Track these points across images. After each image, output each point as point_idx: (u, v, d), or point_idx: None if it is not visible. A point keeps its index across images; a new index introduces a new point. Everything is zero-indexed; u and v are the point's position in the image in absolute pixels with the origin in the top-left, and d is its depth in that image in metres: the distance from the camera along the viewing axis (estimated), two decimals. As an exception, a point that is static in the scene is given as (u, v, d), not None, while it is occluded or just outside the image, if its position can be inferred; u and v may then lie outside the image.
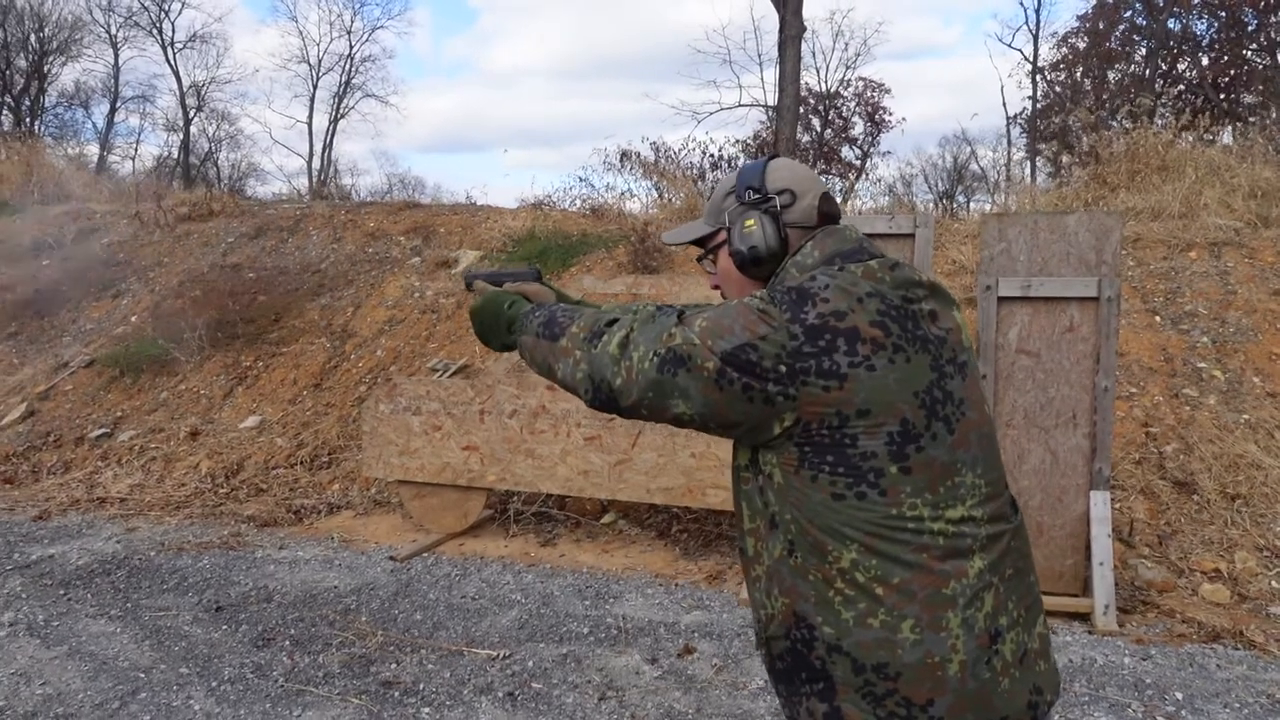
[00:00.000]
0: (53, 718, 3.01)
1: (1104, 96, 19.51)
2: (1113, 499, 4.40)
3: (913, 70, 43.51)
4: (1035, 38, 24.62)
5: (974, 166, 26.42)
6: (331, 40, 39.14)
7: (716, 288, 1.48)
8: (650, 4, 42.52)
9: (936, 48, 44.84)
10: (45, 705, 3.10)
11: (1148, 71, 19.96)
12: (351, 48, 32.39)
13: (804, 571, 1.23)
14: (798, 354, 1.17)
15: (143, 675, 3.33)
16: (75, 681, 3.27)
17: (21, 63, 27.53)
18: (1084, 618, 3.78)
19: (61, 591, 4.15)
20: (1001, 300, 4.07)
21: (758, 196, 1.36)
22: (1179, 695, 3.16)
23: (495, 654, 3.52)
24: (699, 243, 1.48)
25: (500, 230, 8.41)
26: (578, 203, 10.32)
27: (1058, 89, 22.86)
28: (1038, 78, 23.95)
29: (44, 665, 3.40)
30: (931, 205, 20.75)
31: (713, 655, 3.51)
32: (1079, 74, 22.24)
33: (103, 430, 6.59)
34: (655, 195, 10.99)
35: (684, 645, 3.59)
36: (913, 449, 1.18)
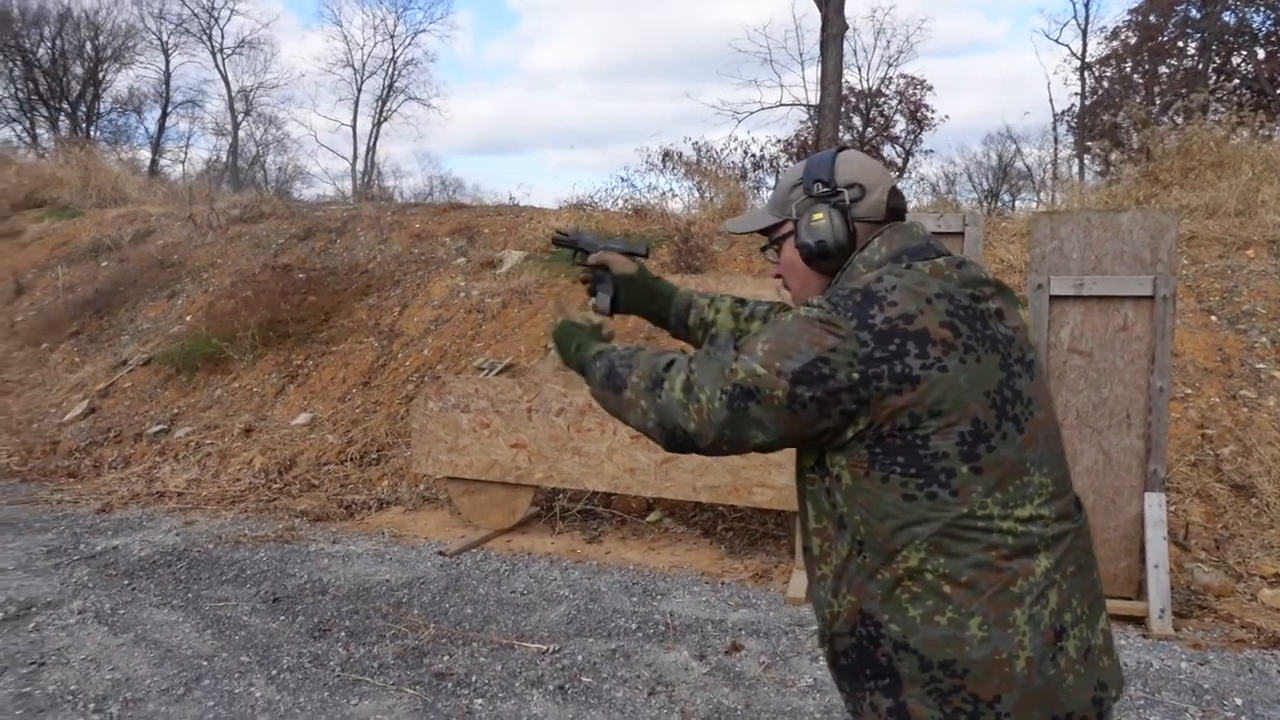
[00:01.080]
0: (122, 702, 3.12)
1: (1156, 91, 19.10)
2: (1168, 501, 4.32)
3: (957, 67, 42.98)
4: (1084, 32, 24.20)
5: (1019, 164, 26.02)
6: (375, 44, 39.68)
7: (779, 277, 1.48)
8: (691, 4, 42.53)
9: (981, 44, 44.25)
10: (115, 690, 3.20)
11: (1201, 66, 19.50)
12: (394, 51, 32.86)
13: (872, 571, 1.24)
14: (869, 360, 1.18)
15: (205, 663, 3.43)
16: (142, 667, 3.38)
17: (78, 70, 28.34)
18: (1139, 621, 3.73)
19: (126, 581, 4.29)
20: (1053, 299, 4.02)
21: (826, 189, 1.36)
22: (1238, 701, 3.10)
23: (545, 648, 3.56)
24: (763, 232, 1.48)
25: (544, 230, 8.47)
26: (620, 203, 10.38)
27: (1106, 84, 22.42)
28: (1086, 73, 23.51)
29: (112, 651, 3.52)
30: (976, 204, 20.48)
31: (760, 653, 3.52)
32: (1129, 69, 21.78)
33: (160, 426, 6.78)
34: (697, 195, 11.01)
35: (731, 642, 3.61)
36: (984, 449, 1.19)
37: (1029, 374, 1.27)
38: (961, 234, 4.26)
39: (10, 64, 26.96)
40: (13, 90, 27.35)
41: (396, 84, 32.78)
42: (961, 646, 1.18)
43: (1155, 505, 3.79)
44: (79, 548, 4.78)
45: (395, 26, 33.97)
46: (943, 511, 1.19)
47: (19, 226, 11.20)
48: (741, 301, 1.75)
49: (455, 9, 63.36)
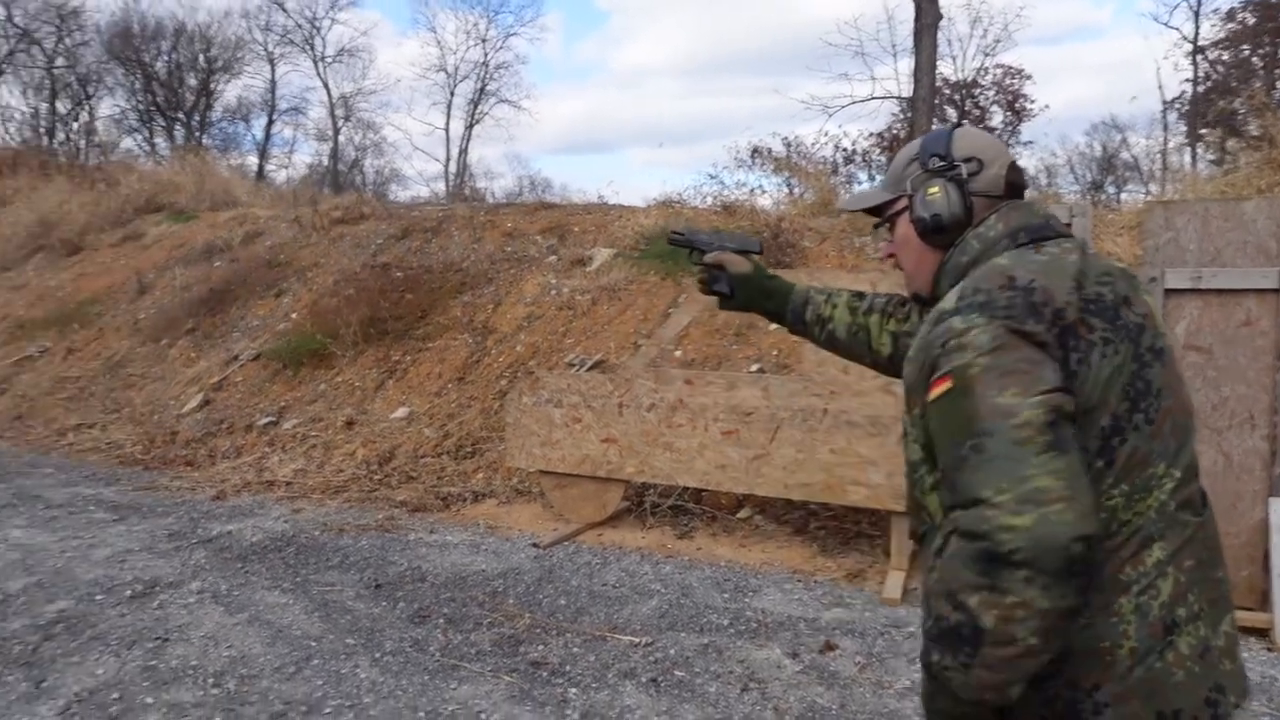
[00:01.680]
0: (239, 678, 3.29)
1: (1277, 75, 17.99)
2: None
3: (1059, 55, 41.33)
4: (1196, 15, 22.93)
5: (1125, 155, 24.87)
6: (467, 49, 40.54)
7: (891, 255, 1.46)
8: (777, -1, 42.08)
9: (1084, 30, 42.47)
10: (231, 666, 3.38)
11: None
12: (486, 55, 33.52)
13: None
14: (1056, 361, 1.13)
15: (314, 644, 3.58)
16: (256, 646, 3.56)
17: (192, 81, 29.88)
18: (1262, 634, 3.53)
19: (239, 564, 4.51)
20: (1169, 293, 3.84)
21: (943, 164, 1.33)
22: (1375, 720, 2.91)
23: (638, 640, 3.60)
24: (876, 210, 1.46)
25: (633, 228, 8.53)
26: (709, 200, 10.36)
27: (1221, 69, 21.22)
28: (1198, 58, 22.30)
29: (229, 630, 3.70)
30: (1078, 196, 19.68)
31: (855, 653, 3.47)
32: (1246, 52, 20.55)
33: (269, 419, 7.10)
34: (787, 191, 10.91)
35: (825, 641, 3.57)
36: (1117, 440, 1.16)
37: (1160, 361, 1.23)
38: (1069, 225, 4.10)
39: (132, 77, 28.62)
40: (134, 102, 29.04)
41: (488, 87, 33.47)
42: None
43: (1281, 511, 3.58)
44: (196, 532, 5.05)
45: (487, 31, 34.68)
46: None
47: (141, 230, 11.88)
48: (859, 295, 1.73)
49: (545, 11, 64.22)
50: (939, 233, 1.33)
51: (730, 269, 1.79)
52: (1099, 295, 1.20)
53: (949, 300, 1.22)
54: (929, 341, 1.19)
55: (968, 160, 1.33)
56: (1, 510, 5.50)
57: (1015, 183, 1.34)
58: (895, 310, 1.67)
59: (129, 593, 4.10)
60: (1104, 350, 1.16)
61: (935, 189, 1.32)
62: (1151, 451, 1.18)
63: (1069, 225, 4.08)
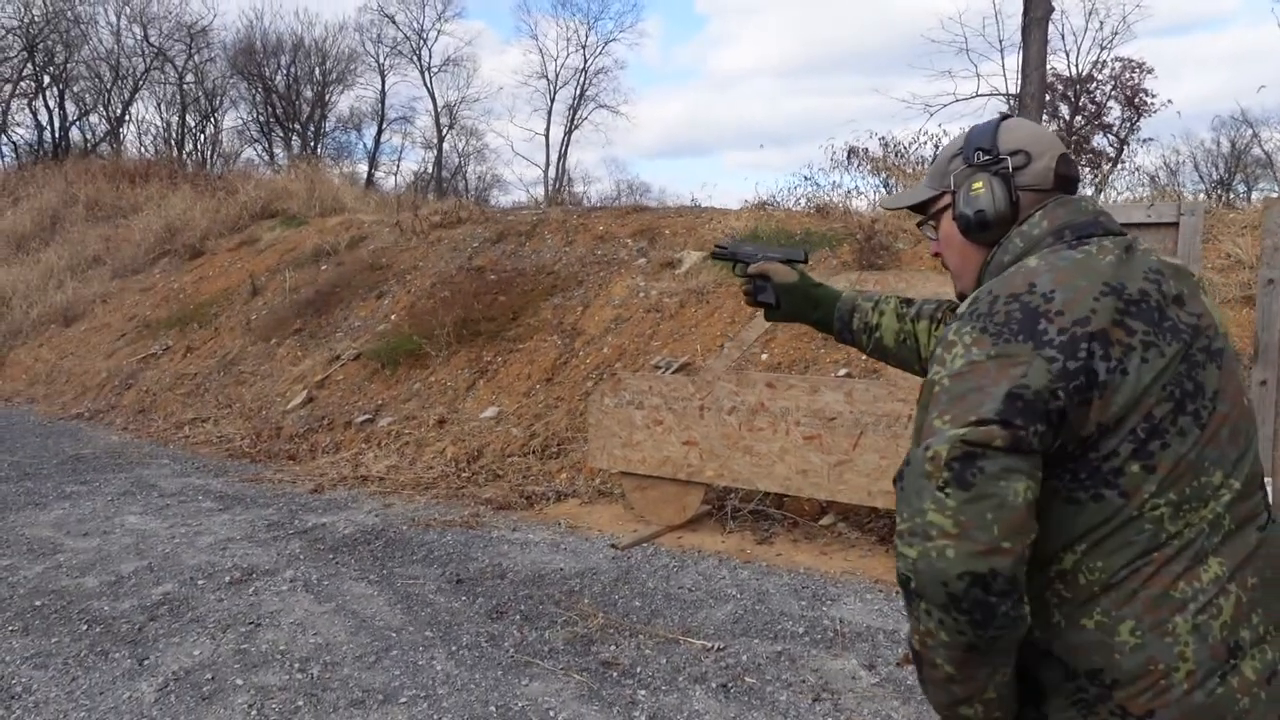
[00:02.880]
0: (322, 664, 3.41)
1: None
2: None
3: (1183, 46, 39.07)
4: (1340, -1, 21.28)
5: (1256, 150, 23.28)
6: (568, 55, 41.25)
7: (937, 254, 1.40)
8: (879, -4, 41.20)
9: (1211, 19, 40.00)
10: (316, 653, 3.51)
11: None
12: (586, 61, 33.98)
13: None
14: (1064, 374, 1.06)
15: (394, 635, 3.69)
16: (340, 635, 3.69)
17: (308, 93, 31.34)
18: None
19: (331, 556, 4.69)
20: (1287, 296, 3.57)
21: (988, 158, 1.27)
22: None
23: (710, 645, 3.56)
24: (920, 208, 1.41)
25: (723, 231, 8.49)
26: (802, 202, 10.22)
27: (1370, 56, 19.62)
28: (1343, 45, 20.69)
29: (316, 618, 3.85)
30: (1203, 195, 18.56)
31: (935, 667, 3.35)
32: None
33: (366, 416, 7.37)
34: (883, 192, 10.65)
35: (904, 654, 3.46)
36: (1157, 445, 1.08)
37: (1215, 363, 1.14)
38: (1176, 224, 3.87)
39: (253, 91, 30.23)
40: (255, 114, 30.67)
41: (587, 93, 33.91)
42: (1111, 654, 1.08)
43: None
44: (294, 523, 5.28)
45: (587, 37, 35.16)
46: (1106, 512, 1.09)
47: (256, 235, 12.52)
48: (908, 302, 1.68)
49: (644, 16, 64.72)
50: (983, 230, 1.27)
51: (775, 279, 1.76)
52: (1143, 295, 1.13)
53: (968, 300, 1.19)
54: (935, 343, 1.20)
55: (1014, 153, 1.26)
56: (121, 498, 5.88)
57: (1066, 175, 1.27)
58: (945, 316, 1.60)
59: (228, 579, 4.31)
60: (1145, 354, 1.09)
61: (980, 184, 1.26)
62: (1204, 459, 1.10)
63: (1178, 222, 3.86)
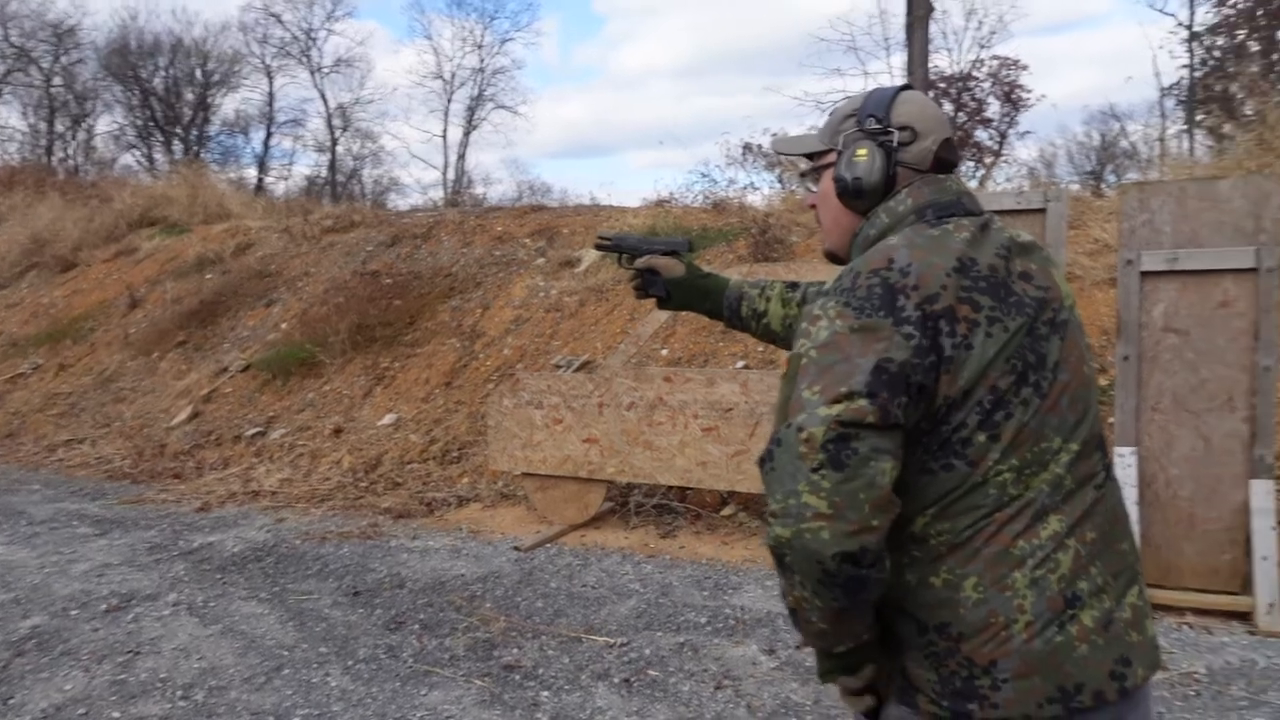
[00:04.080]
0: (208, 689, 3.25)
1: (1274, 57, 17.86)
2: (1277, 489, 4.01)
3: (1057, 45, 41.10)
4: (1190, 0, 22.81)
5: (1123, 143, 24.71)
6: (464, 55, 40.58)
7: (813, 206, 1.42)
8: (772, -3, 42.01)
9: (1082, 19, 42.20)
10: (201, 678, 3.35)
11: (1325, 27, 18.11)
12: (483, 61, 33.54)
13: None
14: (920, 350, 1.10)
15: (286, 653, 3.55)
16: (228, 657, 3.52)
17: (189, 96, 29.98)
18: (1244, 617, 3.47)
19: (218, 576, 4.48)
20: (1145, 275, 3.79)
21: (878, 127, 1.29)
22: (1358, 704, 2.85)
23: (613, 641, 3.55)
24: (807, 157, 1.42)
25: (622, 228, 8.49)
26: (700, 198, 10.33)
27: (1217, 54, 21.09)
28: (1194, 44, 22.18)
29: (201, 642, 3.67)
30: (1076, 186, 19.57)
31: (832, 648, 3.42)
32: (1242, 37, 20.44)
33: (257, 429, 7.08)
34: (778, 187, 10.86)
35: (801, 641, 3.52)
36: (1001, 415, 1.13)
37: (1059, 335, 1.20)
38: (1043, 210, 4.05)
39: (129, 93, 28.74)
40: (132, 118, 29.16)
41: (485, 93, 33.49)
42: (956, 609, 1.13)
43: (1262, 493, 3.52)
44: (178, 544, 5.03)
45: (483, 37, 34.68)
46: (954, 479, 1.14)
47: (134, 244, 11.89)
48: (792, 285, 1.71)
49: (541, 15, 64.28)
50: (857, 197, 1.29)
51: (664, 274, 1.77)
52: (992, 270, 1.17)
53: (834, 277, 1.20)
54: (801, 318, 1.21)
55: (903, 129, 1.28)
56: (-14, 527, 5.49)
57: (945, 159, 1.30)
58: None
59: (104, 607, 4.07)
60: (989, 329, 1.13)
61: (863, 151, 1.28)
62: (1044, 425, 1.15)
63: (1045, 208, 4.04)
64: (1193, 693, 2.96)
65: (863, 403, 1.07)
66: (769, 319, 1.70)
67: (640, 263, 1.80)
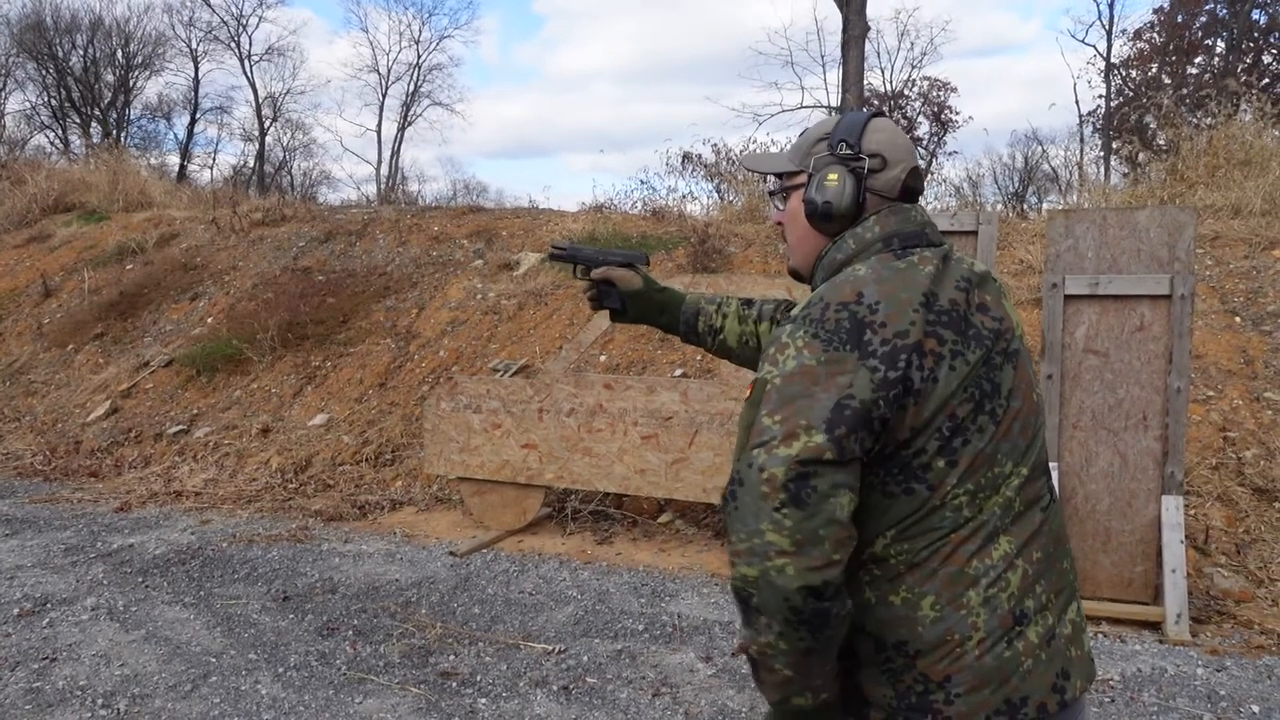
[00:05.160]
0: (130, 698, 3.15)
1: (1184, 91, 18.83)
2: (1187, 505, 4.24)
3: (984, 68, 42.57)
4: (1109, 33, 23.90)
5: (1045, 166, 25.71)
6: (401, 50, 39.99)
7: (779, 224, 1.45)
8: (713, 6, 42.48)
9: (1008, 45, 43.77)
10: (123, 685, 3.23)
11: (1230, 64, 19.20)
12: (420, 57, 33.08)
13: None
14: (885, 384, 1.14)
15: (214, 660, 3.45)
16: (151, 664, 3.41)
17: (109, 77, 28.81)
18: (1155, 626, 3.65)
19: (140, 579, 4.33)
20: (1068, 298, 3.96)
21: (850, 152, 1.32)
22: (1255, 708, 3.03)
23: (551, 649, 3.55)
24: (777, 175, 1.45)
25: (561, 233, 8.50)
26: (639, 205, 10.38)
27: (1132, 86, 22.14)
28: (1111, 75, 23.22)
29: (123, 648, 3.55)
30: (1000, 206, 20.27)
31: (767, 655, 3.49)
32: (1155, 70, 21.49)
33: (180, 427, 6.86)
34: (716, 197, 10.99)
35: (739, 644, 3.57)
36: (959, 442, 1.18)
37: (1011, 364, 1.25)
38: (975, 232, 4.21)
39: (44, 72, 27.47)
40: (46, 98, 27.87)
41: (421, 89, 33.02)
42: (914, 627, 1.18)
43: (1172, 508, 3.71)
44: (96, 545, 4.84)
45: (421, 32, 34.25)
46: (914, 503, 1.19)
47: (48, 230, 11.38)
48: (748, 303, 1.74)
49: (480, 14, 63.68)
50: (826, 220, 1.33)
51: (621, 286, 1.78)
52: (953, 304, 1.22)
53: (801, 305, 1.25)
54: (768, 343, 1.23)
55: (873, 155, 1.32)
56: (-117, 526, 5.19)
57: (912, 188, 1.34)
58: (781, 316, 1.68)
59: (16, 611, 3.90)
60: (952, 363, 1.18)
61: (834, 176, 1.32)
62: (998, 451, 1.21)
63: (977, 230, 4.19)
64: (1107, 699, 3.11)
65: (820, 439, 1.10)
66: (725, 335, 1.73)
67: (597, 273, 1.79)
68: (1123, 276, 3.89)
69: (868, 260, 1.28)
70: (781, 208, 1.44)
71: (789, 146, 1.48)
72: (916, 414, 1.16)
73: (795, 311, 1.24)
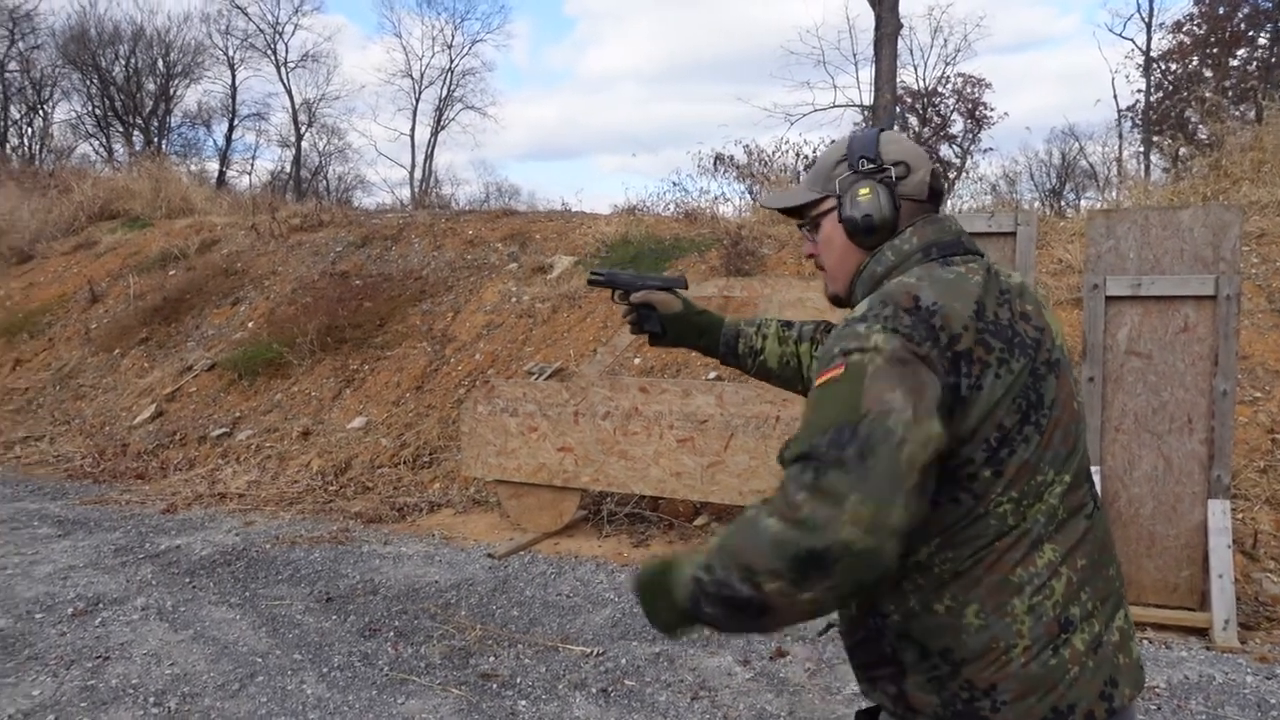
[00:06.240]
0: (180, 696, 3.22)
1: (1225, 85, 18.45)
2: (1234, 509, 4.16)
3: (1020, 64, 41.95)
4: (1148, 26, 23.45)
5: (1083, 163, 25.31)
6: (434, 55, 40.34)
7: (812, 256, 1.46)
8: (743, 6, 42.33)
9: (1045, 40, 43.12)
10: (173, 684, 3.31)
11: (1274, 57, 18.78)
12: (452, 61, 33.36)
13: None
14: (945, 388, 1.14)
15: (260, 660, 3.52)
16: (200, 663, 3.49)
17: (150, 86, 29.41)
18: (1201, 633, 3.59)
19: (187, 580, 4.43)
20: (1110, 300, 3.91)
21: (872, 166, 1.35)
22: (1307, 717, 2.97)
23: (589, 651, 3.58)
24: (796, 211, 1.46)
25: (594, 235, 8.53)
26: (671, 207, 10.39)
27: (1172, 79, 21.72)
28: (1150, 68, 22.80)
29: (172, 647, 3.63)
30: (1037, 203, 20.01)
31: (805, 659, 3.49)
32: (1195, 63, 21.07)
33: (223, 430, 6.99)
34: (749, 198, 10.97)
35: (776, 648, 3.58)
36: (1006, 453, 1.19)
37: (1054, 374, 1.26)
38: (1014, 233, 4.17)
39: (88, 82, 28.12)
40: (90, 107, 28.53)
41: (454, 93, 33.31)
42: (959, 635, 1.18)
43: (1219, 512, 3.65)
44: (144, 546, 4.96)
45: (453, 37, 34.51)
46: (959, 512, 1.19)
47: (94, 237, 11.66)
48: (787, 324, 1.75)
49: (512, 19, 64.11)
50: (869, 234, 1.34)
51: (660, 309, 1.79)
52: (997, 316, 1.23)
53: (859, 309, 1.24)
54: (833, 342, 1.20)
55: (896, 164, 1.34)
56: (-59, 527, 5.36)
57: (936, 189, 1.37)
58: (822, 336, 1.69)
59: (70, 610, 4.01)
60: (998, 371, 1.18)
61: (866, 190, 1.33)
62: (1041, 460, 1.21)
63: (1016, 231, 4.15)
64: (1154, 707, 3.07)
65: (938, 427, 1.09)
66: (765, 356, 1.74)
67: (637, 297, 1.81)
68: (1166, 277, 3.83)
69: (910, 270, 1.29)
70: (813, 239, 1.44)
71: (802, 178, 1.49)
72: (960, 422, 1.16)
73: (854, 315, 1.23)
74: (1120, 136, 23.35)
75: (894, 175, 1.34)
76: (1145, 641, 3.59)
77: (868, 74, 19.67)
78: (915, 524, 1.06)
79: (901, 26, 14.90)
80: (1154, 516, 3.79)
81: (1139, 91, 23.58)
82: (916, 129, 23.45)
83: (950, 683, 1.19)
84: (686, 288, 1.87)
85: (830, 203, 1.40)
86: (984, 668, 1.17)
